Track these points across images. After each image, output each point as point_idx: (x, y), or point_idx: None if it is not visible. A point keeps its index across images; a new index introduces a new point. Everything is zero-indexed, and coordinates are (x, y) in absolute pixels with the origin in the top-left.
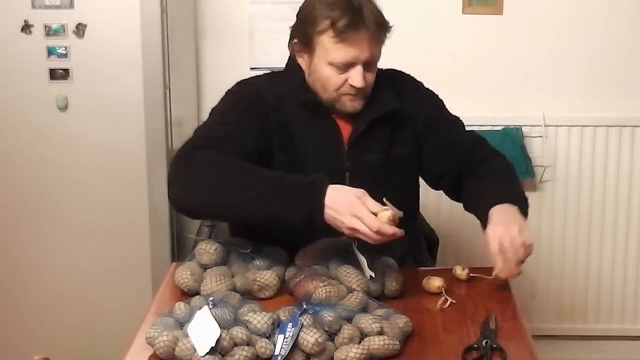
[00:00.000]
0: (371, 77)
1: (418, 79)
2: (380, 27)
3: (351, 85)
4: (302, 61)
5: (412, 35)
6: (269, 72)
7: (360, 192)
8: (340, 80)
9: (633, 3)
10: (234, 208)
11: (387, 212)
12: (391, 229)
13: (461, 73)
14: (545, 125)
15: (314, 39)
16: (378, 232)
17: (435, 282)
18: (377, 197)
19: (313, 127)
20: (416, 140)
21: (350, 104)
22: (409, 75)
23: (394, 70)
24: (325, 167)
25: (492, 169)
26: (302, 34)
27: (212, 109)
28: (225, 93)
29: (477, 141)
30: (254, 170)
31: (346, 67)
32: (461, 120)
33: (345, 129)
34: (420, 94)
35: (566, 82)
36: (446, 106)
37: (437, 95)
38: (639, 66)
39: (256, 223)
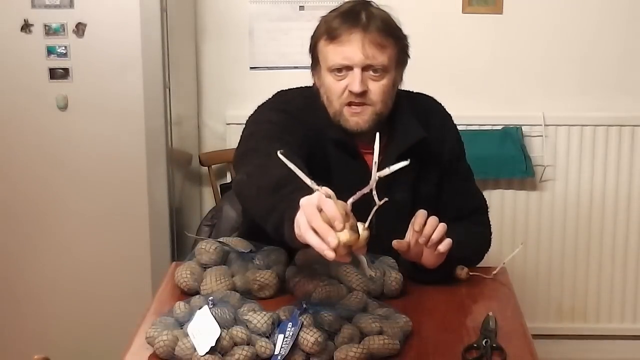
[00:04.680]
0: (378, 87)
1: (418, 78)
2: (381, 31)
3: (350, 92)
4: (317, 83)
5: (412, 35)
6: (301, 89)
7: (324, 192)
8: (341, 87)
9: (632, 3)
10: (257, 218)
11: (344, 235)
12: (346, 258)
13: (461, 73)
14: (545, 125)
15: (316, 48)
16: (336, 251)
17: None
18: (402, 236)
19: (343, 164)
20: (440, 177)
21: (353, 120)
22: (439, 103)
23: (424, 95)
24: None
25: (468, 228)
26: (310, 48)
27: (246, 134)
28: (255, 122)
29: (480, 207)
30: (282, 185)
31: (344, 71)
32: (473, 174)
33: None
34: (447, 126)
35: (566, 81)
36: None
37: (460, 136)
38: (639, 66)
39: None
